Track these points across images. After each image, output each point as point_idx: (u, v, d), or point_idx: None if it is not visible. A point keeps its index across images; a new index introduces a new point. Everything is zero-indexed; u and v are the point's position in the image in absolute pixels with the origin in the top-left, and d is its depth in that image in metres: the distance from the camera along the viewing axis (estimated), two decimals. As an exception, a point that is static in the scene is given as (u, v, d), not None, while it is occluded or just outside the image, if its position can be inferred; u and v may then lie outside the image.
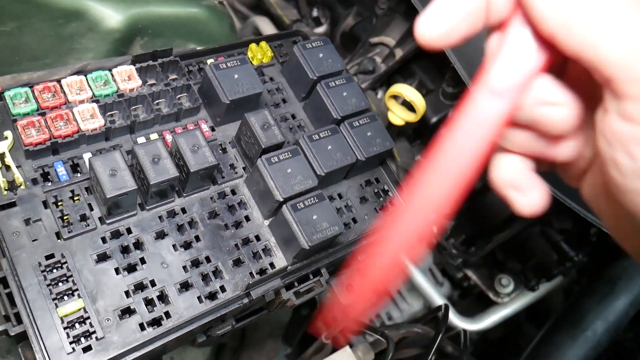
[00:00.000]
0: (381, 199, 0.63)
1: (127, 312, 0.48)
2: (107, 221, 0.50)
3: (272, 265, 0.55)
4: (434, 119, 0.92)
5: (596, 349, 0.85)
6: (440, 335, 0.64)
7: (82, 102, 0.53)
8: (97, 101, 0.54)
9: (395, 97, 0.81)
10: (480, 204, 0.86)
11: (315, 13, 1.05)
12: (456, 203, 0.31)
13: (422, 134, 0.96)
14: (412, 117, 0.80)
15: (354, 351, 0.73)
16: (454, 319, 0.93)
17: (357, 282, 0.36)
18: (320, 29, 1.03)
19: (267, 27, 1.06)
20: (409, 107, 0.80)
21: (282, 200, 0.53)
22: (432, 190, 0.31)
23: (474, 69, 0.69)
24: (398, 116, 0.81)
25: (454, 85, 0.88)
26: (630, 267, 0.92)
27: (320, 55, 0.62)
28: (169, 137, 0.56)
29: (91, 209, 0.50)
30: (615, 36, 0.25)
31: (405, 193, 0.29)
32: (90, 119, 0.52)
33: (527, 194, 0.33)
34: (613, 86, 0.26)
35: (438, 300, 0.95)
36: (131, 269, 0.50)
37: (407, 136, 0.97)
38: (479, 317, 0.95)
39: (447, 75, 0.88)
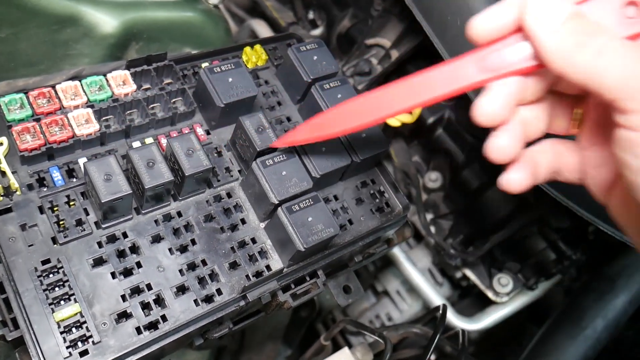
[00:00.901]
0: (377, 200, 0.63)
1: (124, 316, 0.48)
2: (103, 225, 0.51)
3: (268, 267, 0.55)
4: (430, 120, 0.92)
5: (595, 347, 0.85)
6: (437, 336, 0.64)
7: (77, 107, 0.53)
8: (92, 106, 0.54)
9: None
10: (477, 203, 0.86)
11: (311, 15, 1.05)
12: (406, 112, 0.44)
13: (419, 135, 0.96)
14: (408, 118, 0.81)
15: (352, 352, 0.73)
16: (453, 319, 0.93)
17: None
18: (317, 31, 1.04)
19: (263, 30, 1.06)
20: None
21: (277, 202, 0.53)
22: (398, 96, 0.42)
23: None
24: (394, 117, 0.81)
25: (450, 86, 0.88)
26: (630, 265, 0.92)
27: (315, 57, 0.62)
28: (164, 142, 0.56)
29: (87, 214, 0.51)
30: (610, 68, 0.34)
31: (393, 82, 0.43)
32: (85, 124, 0.52)
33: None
34: (616, 105, 0.34)
35: (437, 300, 0.95)
36: (127, 273, 0.50)
37: (404, 137, 0.97)
38: (478, 316, 0.95)
39: (443, 75, 0.89)
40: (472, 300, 1.10)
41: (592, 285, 0.90)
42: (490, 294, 0.92)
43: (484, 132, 0.72)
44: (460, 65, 0.40)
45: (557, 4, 0.35)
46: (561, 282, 1.03)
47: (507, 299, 0.92)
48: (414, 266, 0.98)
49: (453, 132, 0.91)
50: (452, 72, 0.40)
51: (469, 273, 0.93)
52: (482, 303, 1.01)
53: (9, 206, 0.49)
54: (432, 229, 0.93)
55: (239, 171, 0.58)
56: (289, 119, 0.64)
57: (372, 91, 0.44)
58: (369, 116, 0.44)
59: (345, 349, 0.73)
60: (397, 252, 0.98)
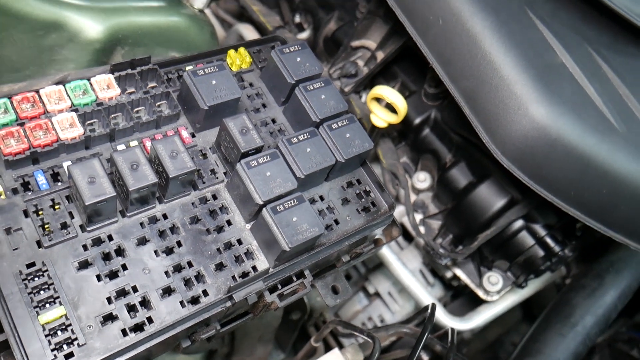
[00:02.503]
0: (363, 199, 0.64)
1: (109, 318, 0.48)
2: (88, 229, 0.51)
3: (254, 268, 0.55)
4: (417, 120, 0.93)
5: (586, 342, 0.86)
6: (426, 334, 0.65)
7: (61, 111, 0.53)
8: (76, 110, 0.54)
9: (378, 99, 0.82)
10: (466, 202, 0.86)
11: (297, 19, 1.05)
12: None
13: (406, 136, 0.97)
14: (394, 119, 0.81)
15: (343, 353, 0.73)
16: (445, 318, 0.93)
17: None
18: (303, 35, 1.04)
19: (250, 35, 1.06)
20: (392, 108, 0.81)
21: (261, 203, 0.54)
22: None
23: (451, 69, 0.69)
24: (380, 118, 0.82)
25: (435, 86, 0.89)
26: (617, 261, 0.92)
27: (298, 59, 0.63)
28: (149, 145, 0.57)
29: (72, 217, 0.51)
30: None
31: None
32: (70, 128, 0.53)
33: None
34: None
35: (428, 300, 0.95)
36: (113, 275, 0.50)
37: (392, 138, 0.98)
38: (470, 316, 0.96)
39: (428, 76, 0.89)
40: (463, 300, 1.11)
41: (581, 282, 0.91)
42: (480, 293, 0.92)
43: (471, 131, 0.72)
44: None
45: None
46: (554, 280, 1.04)
47: (497, 297, 0.92)
48: (404, 267, 0.98)
49: (440, 131, 0.91)
50: None
51: (459, 272, 0.94)
52: (473, 303, 1.01)
53: (-7, 210, 0.49)
54: (422, 229, 0.94)
55: (224, 173, 0.59)
56: (274, 121, 0.65)
57: None
58: None
59: (335, 350, 0.73)
60: (388, 253, 0.98)
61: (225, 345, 0.83)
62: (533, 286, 1.00)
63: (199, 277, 0.53)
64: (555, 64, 0.68)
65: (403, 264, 0.98)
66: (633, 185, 0.66)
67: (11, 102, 0.52)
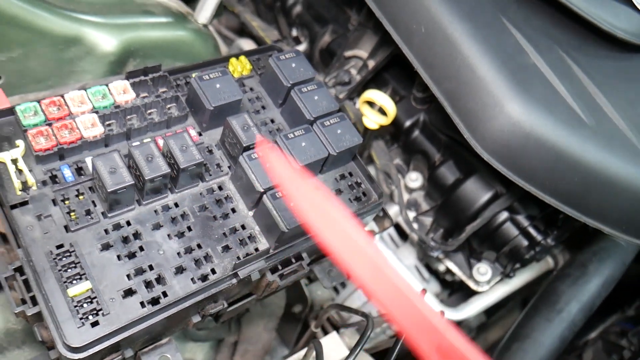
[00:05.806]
0: (354, 190, 0.70)
1: (129, 292, 0.55)
2: (109, 215, 0.57)
3: (256, 249, 0.61)
4: (407, 123, 0.99)
5: (571, 327, 0.91)
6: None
7: (83, 113, 0.60)
8: (96, 112, 0.61)
9: (369, 103, 0.89)
10: (454, 197, 0.92)
11: (294, 33, 1.13)
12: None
13: (398, 138, 1.03)
14: (384, 120, 0.88)
15: (340, 336, 0.79)
16: (437, 308, 0.99)
17: None
18: (300, 47, 1.11)
19: (250, 48, 1.14)
20: (382, 112, 0.87)
21: (262, 191, 0.60)
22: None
23: (434, 72, 0.76)
24: (372, 120, 0.89)
25: (423, 91, 0.96)
26: (600, 250, 0.98)
27: (293, 65, 0.70)
28: (161, 142, 0.63)
29: (95, 205, 0.57)
30: None
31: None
32: (91, 128, 0.60)
33: None
34: None
35: (419, 289, 1.01)
36: (131, 255, 0.56)
37: (385, 141, 1.04)
38: (461, 307, 1.01)
39: (416, 81, 0.96)
40: (457, 296, 1.16)
41: (566, 271, 0.96)
42: (471, 284, 0.98)
43: (456, 131, 0.79)
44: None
45: None
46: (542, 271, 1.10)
47: (487, 288, 0.98)
48: (400, 263, 1.04)
49: (429, 133, 0.98)
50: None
51: (450, 265, 0.99)
52: (467, 297, 1.07)
53: (26, 199, 0.55)
54: (415, 225, 1.00)
55: (229, 167, 0.65)
56: (272, 121, 0.71)
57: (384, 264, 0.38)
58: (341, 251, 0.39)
59: (334, 333, 0.79)
60: (384, 249, 1.04)
61: (233, 334, 0.89)
62: (522, 278, 1.05)
63: (207, 258, 0.59)
64: (527, 65, 0.75)
65: (399, 260, 1.04)
66: (602, 174, 0.72)
67: (40, 106, 0.59)
